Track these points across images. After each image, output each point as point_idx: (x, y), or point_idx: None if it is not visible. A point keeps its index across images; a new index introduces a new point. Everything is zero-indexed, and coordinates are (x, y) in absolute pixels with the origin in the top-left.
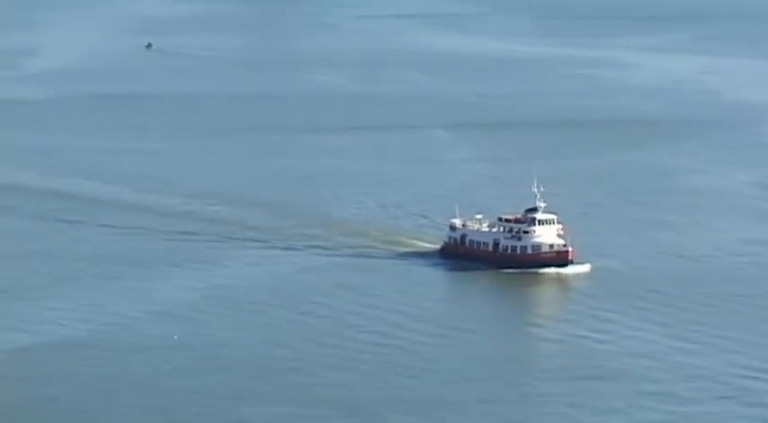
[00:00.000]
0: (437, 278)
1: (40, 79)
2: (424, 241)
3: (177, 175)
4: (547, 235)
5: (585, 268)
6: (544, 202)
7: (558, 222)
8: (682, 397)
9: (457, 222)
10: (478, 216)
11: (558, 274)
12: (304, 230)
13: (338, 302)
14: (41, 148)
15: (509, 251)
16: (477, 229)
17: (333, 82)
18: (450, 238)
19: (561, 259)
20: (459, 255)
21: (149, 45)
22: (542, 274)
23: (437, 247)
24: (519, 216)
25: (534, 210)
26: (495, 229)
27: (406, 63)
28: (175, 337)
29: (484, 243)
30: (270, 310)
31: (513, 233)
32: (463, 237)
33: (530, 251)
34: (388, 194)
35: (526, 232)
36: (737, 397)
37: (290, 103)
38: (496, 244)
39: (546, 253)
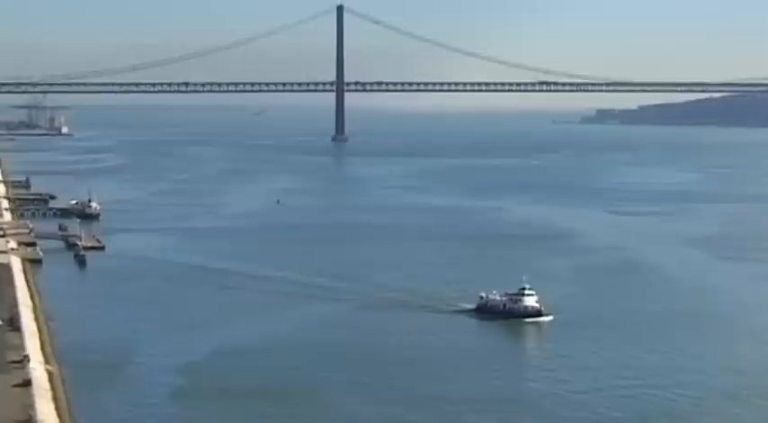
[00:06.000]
0: (475, 322)
1: (226, 217)
2: (464, 303)
3: (287, 262)
4: (530, 301)
5: (550, 317)
6: (528, 284)
7: (536, 294)
8: None
9: (483, 294)
10: (494, 291)
11: (535, 320)
12: (372, 292)
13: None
14: (223, 250)
15: (511, 309)
16: (494, 298)
17: (366, 218)
18: (479, 303)
19: (537, 313)
20: (485, 311)
21: (278, 201)
22: (527, 321)
23: (472, 306)
24: (516, 291)
25: (524, 288)
26: (504, 298)
27: (401, 209)
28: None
29: (498, 305)
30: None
31: (514, 300)
32: (487, 302)
33: (521, 309)
34: (422, 276)
35: (520, 300)
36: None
37: (345, 228)
38: (504, 305)
39: (530, 310)
